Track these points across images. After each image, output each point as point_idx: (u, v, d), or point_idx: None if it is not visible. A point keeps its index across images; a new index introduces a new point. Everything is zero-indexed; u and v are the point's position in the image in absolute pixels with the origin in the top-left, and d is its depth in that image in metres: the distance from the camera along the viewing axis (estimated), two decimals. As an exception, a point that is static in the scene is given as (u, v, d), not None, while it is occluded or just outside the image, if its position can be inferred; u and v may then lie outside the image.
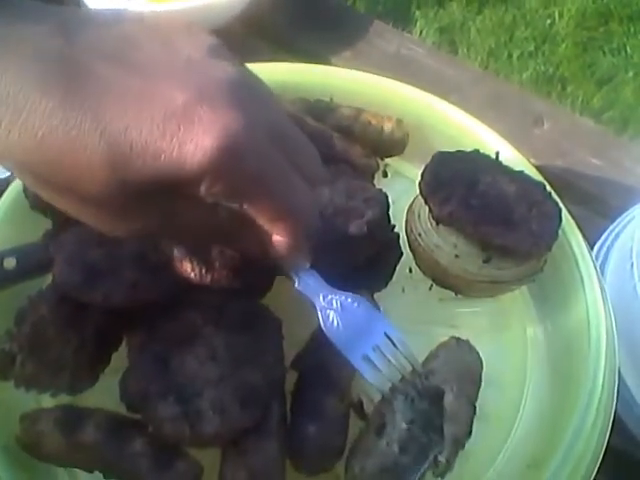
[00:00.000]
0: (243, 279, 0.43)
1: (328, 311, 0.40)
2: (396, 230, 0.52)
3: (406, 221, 0.54)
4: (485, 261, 0.49)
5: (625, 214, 0.63)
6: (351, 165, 0.57)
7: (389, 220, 0.50)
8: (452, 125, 0.62)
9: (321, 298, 0.40)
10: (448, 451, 0.40)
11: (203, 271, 0.42)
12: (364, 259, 0.47)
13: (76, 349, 0.43)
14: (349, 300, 0.41)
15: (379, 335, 0.41)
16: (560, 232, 0.50)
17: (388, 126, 0.61)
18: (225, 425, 0.39)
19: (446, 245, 0.50)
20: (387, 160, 0.63)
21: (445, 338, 0.48)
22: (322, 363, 0.44)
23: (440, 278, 0.52)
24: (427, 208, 0.50)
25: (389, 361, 0.41)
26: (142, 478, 0.39)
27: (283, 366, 0.44)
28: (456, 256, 0.49)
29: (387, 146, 0.61)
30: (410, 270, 0.54)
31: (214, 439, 0.39)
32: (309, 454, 0.41)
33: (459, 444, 0.42)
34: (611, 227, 0.63)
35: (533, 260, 0.50)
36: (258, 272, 0.45)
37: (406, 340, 0.42)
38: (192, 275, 0.42)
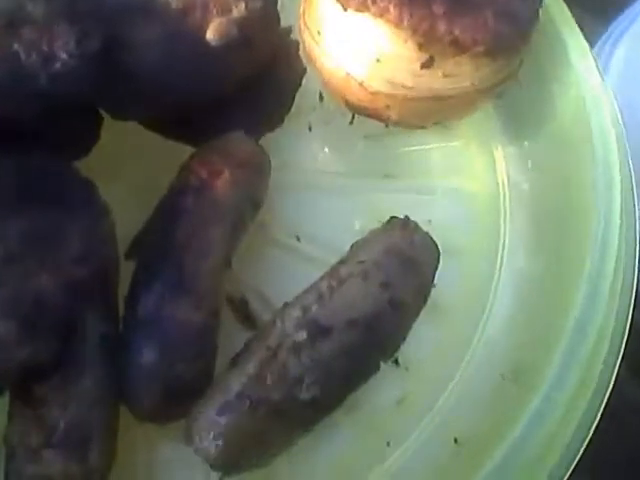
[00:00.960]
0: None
1: None
2: (294, 37, 0.38)
3: (301, 16, 0.38)
4: (425, 65, 0.34)
5: (630, 8, 0.52)
6: None
7: (278, 20, 0.35)
8: None
9: None
10: None
11: None
12: (239, 83, 0.34)
13: None
14: None
15: None
16: (541, 13, 0.35)
17: None
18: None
19: (361, 44, 0.34)
20: None
21: (381, 194, 0.37)
22: (168, 247, 0.29)
23: (358, 102, 0.36)
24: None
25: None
26: None
27: (109, 257, 0.30)
28: (377, 60, 0.34)
29: None
30: (321, 97, 0.39)
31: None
32: (147, 394, 0.27)
33: None
34: (612, 26, 0.52)
35: (500, 60, 0.35)
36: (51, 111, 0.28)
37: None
38: None
